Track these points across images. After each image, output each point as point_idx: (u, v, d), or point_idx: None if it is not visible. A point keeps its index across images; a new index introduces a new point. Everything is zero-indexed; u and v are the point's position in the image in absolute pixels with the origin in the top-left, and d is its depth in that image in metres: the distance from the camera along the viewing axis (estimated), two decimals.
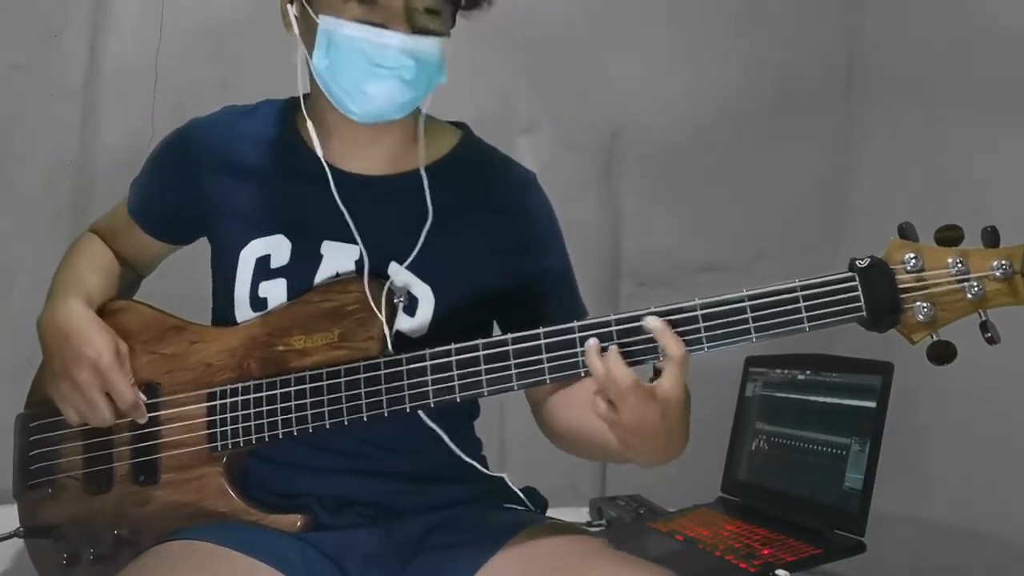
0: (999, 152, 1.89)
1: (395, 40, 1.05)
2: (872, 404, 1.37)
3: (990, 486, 1.82)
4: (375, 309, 1.10)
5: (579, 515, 1.67)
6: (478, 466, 1.17)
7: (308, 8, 1.09)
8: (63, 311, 1.17)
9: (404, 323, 1.14)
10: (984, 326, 0.96)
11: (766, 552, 1.32)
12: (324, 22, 1.07)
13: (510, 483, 1.20)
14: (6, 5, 1.89)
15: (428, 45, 1.07)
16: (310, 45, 1.10)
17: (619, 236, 2.27)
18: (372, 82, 1.07)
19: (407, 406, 1.06)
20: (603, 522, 1.64)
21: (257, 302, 1.17)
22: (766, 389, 1.62)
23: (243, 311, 1.17)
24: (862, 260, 0.97)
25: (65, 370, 1.13)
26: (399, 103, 1.10)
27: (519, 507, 1.21)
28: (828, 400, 1.47)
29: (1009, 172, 1.84)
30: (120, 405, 1.13)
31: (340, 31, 1.06)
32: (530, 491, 1.24)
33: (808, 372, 1.53)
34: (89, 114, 1.95)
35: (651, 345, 0.98)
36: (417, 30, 1.07)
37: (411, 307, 1.15)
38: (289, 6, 1.13)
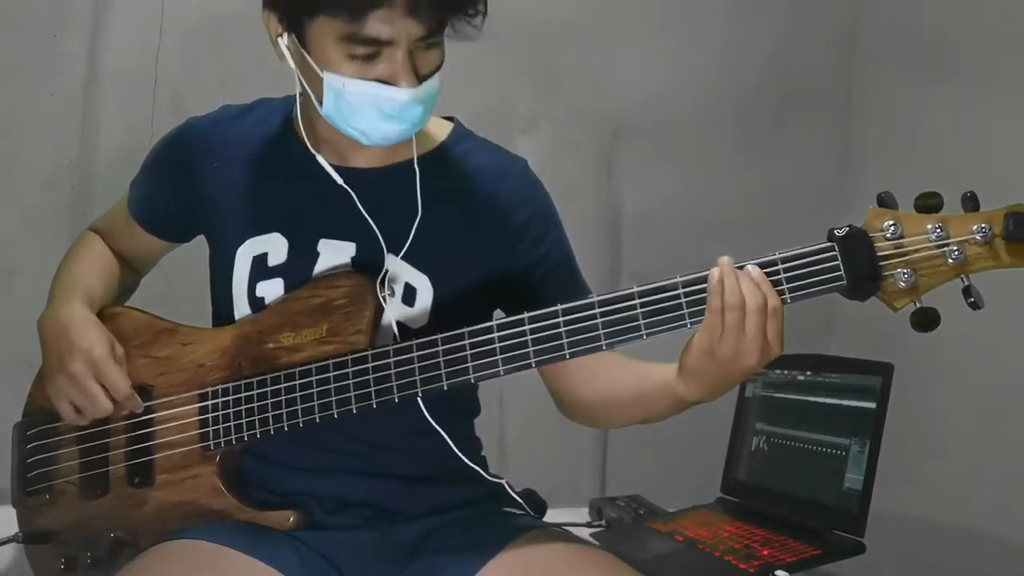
0: (1004, 145, 1.88)
1: (404, 95, 1.04)
2: (872, 404, 1.37)
3: (990, 486, 1.82)
4: (380, 301, 1.10)
5: (579, 515, 1.67)
6: (481, 471, 1.17)
7: (309, 59, 1.05)
8: (65, 311, 1.17)
9: (404, 313, 1.15)
10: (967, 291, 0.95)
11: (766, 552, 1.32)
12: (329, 79, 1.04)
13: (510, 488, 1.20)
14: (6, 5, 1.89)
15: (433, 86, 1.07)
16: (311, 83, 1.07)
17: (619, 236, 2.28)
18: (384, 126, 1.07)
19: (395, 396, 1.06)
20: (603, 522, 1.64)
21: (255, 302, 1.17)
22: (766, 389, 1.62)
23: (242, 311, 1.18)
24: (840, 229, 0.97)
25: (61, 364, 1.13)
26: (409, 135, 1.11)
27: (518, 510, 1.21)
28: (828, 400, 1.47)
29: (1014, 166, 1.83)
30: (114, 395, 1.13)
31: (348, 87, 1.04)
32: (529, 493, 1.24)
33: (808, 372, 1.53)
34: (89, 114, 1.95)
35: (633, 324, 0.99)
36: (423, 77, 1.05)
37: (410, 297, 1.15)
38: (280, 38, 1.08)
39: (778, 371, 1.60)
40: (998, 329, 1.73)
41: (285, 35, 1.07)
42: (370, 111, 1.05)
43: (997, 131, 1.90)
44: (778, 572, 1.25)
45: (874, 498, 1.33)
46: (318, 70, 1.05)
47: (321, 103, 1.07)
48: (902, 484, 1.58)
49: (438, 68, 1.07)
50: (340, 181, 1.14)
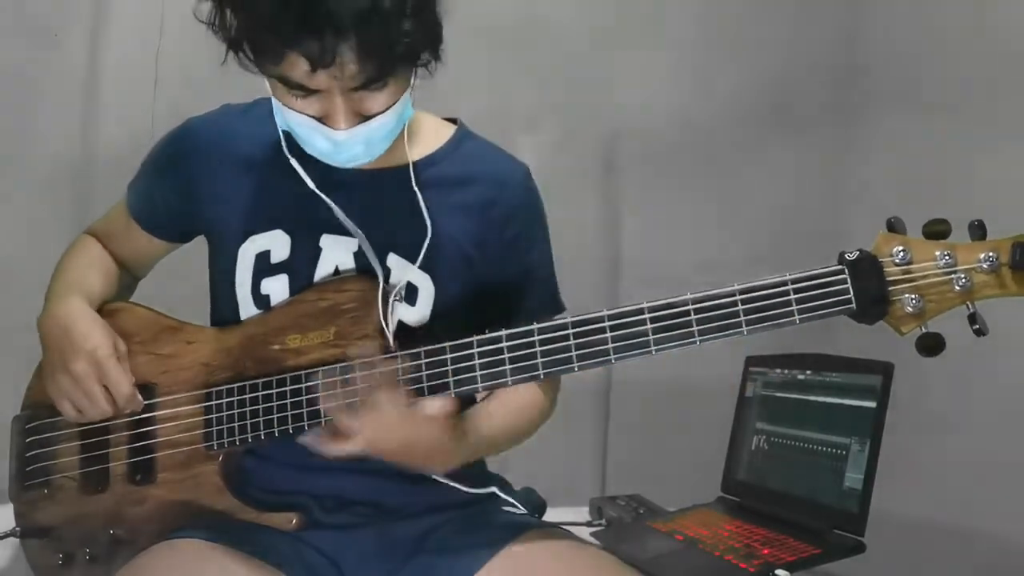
0: (999, 155, 1.89)
1: (340, 135, 1.04)
2: (872, 404, 1.37)
3: (990, 486, 1.82)
4: (381, 315, 1.10)
5: (579, 515, 1.68)
6: (461, 487, 1.17)
7: (265, 80, 1.06)
8: (64, 308, 1.17)
9: (405, 313, 1.15)
10: (972, 318, 0.97)
11: (766, 552, 1.32)
12: (276, 105, 1.06)
13: (501, 492, 1.21)
14: (6, 5, 1.89)
15: (376, 125, 1.05)
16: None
17: (619, 236, 2.27)
18: (332, 153, 1.08)
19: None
20: (603, 522, 1.64)
21: (260, 299, 1.17)
22: (766, 389, 1.62)
23: (247, 309, 1.17)
24: (851, 253, 0.99)
25: (63, 363, 1.13)
26: (364, 161, 1.10)
27: (516, 509, 1.21)
28: (828, 400, 1.47)
29: (1008, 174, 1.83)
30: (116, 397, 1.13)
31: (291, 118, 1.05)
32: (528, 492, 1.25)
33: (808, 372, 1.53)
34: (89, 114, 1.95)
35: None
36: (363, 118, 1.04)
37: (411, 296, 1.16)
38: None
39: (778, 370, 1.60)
40: (998, 329, 1.73)
41: None
42: (314, 141, 1.07)
43: (993, 151, 1.90)
44: (778, 571, 1.25)
45: (874, 498, 1.33)
46: (271, 91, 1.06)
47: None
48: (902, 484, 1.58)
49: (391, 106, 1.05)
50: (312, 186, 1.15)
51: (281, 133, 1.16)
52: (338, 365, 1.08)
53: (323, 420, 1.09)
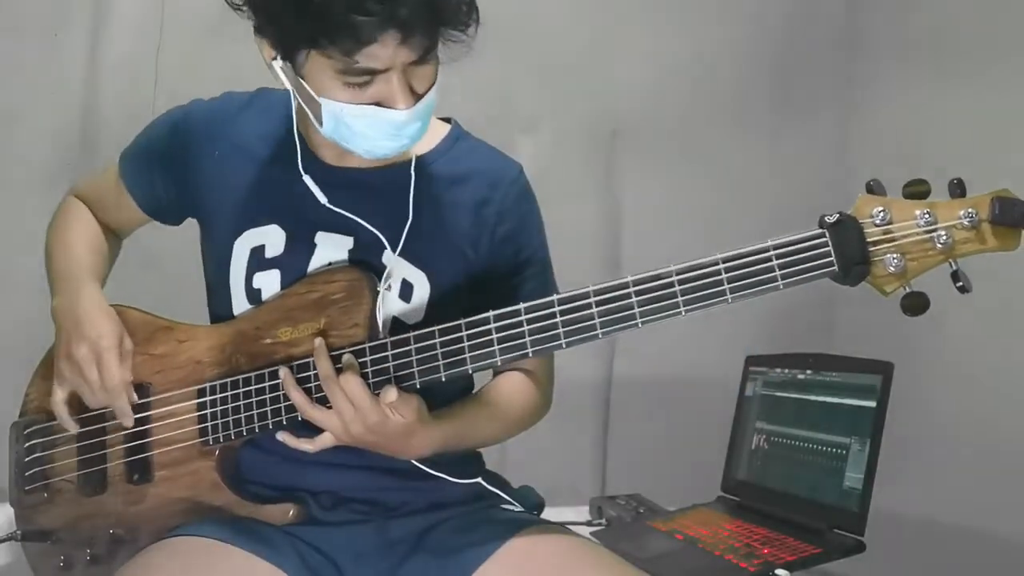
0: (1009, 131, 1.88)
1: (402, 116, 1.04)
2: (872, 404, 1.37)
3: (990, 486, 1.82)
4: (369, 298, 1.10)
5: (579, 514, 1.68)
6: (447, 478, 1.17)
7: (305, 84, 1.05)
8: (80, 296, 1.18)
9: (400, 308, 1.16)
10: (955, 275, 0.97)
11: (766, 551, 1.32)
12: (327, 104, 1.05)
13: (486, 484, 1.21)
14: (6, 5, 1.89)
15: (429, 99, 1.07)
16: (309, 103, 1.07)
17: (619, 236, 2.28)
18: (383, 143, 1.08)
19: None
20: (603, 521, 1.64)
21: (252, 293, 1.17)
22: (766, 388, 1.62)
23: (239, 302, 1.18)
24: (831, 216, 0.99)
25: (68, 349, 1.15)
26: (408, 148, 1.12)
27: (514, 507, 1.22)
28: (828, 399, 1.47)
29: (1009, 156, 1.83)
30: (106, 385, 1.13)
31: (346, 112, 1.05)
32: (526, 490, 1.25)
33: (808, 371, 1.53)
34: (89, 114, 1.95)
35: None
36: (419, 94, 1.06)
37: (406, 293, 1.16)
38: (274, 61, 1.07)
39: (778, 370, 1.60)
40: (998, 329, 1.73)
41: (279, 59, 1.07)
42: (369, 132, 1.06)
43: (995, 124, 1.89)
44: (778, 571, 1.25)
45: (874, 498, 1.33)
46: (315, 95, 1.05)
47: (320, 123, 1.08)
48: (902, 484, 1.58)
49: (434, 82, 1.07)
50: (324, 200, 1.16)
51: (298, 144, 1.17)
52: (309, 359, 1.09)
53: (299, 416, 1.09)
